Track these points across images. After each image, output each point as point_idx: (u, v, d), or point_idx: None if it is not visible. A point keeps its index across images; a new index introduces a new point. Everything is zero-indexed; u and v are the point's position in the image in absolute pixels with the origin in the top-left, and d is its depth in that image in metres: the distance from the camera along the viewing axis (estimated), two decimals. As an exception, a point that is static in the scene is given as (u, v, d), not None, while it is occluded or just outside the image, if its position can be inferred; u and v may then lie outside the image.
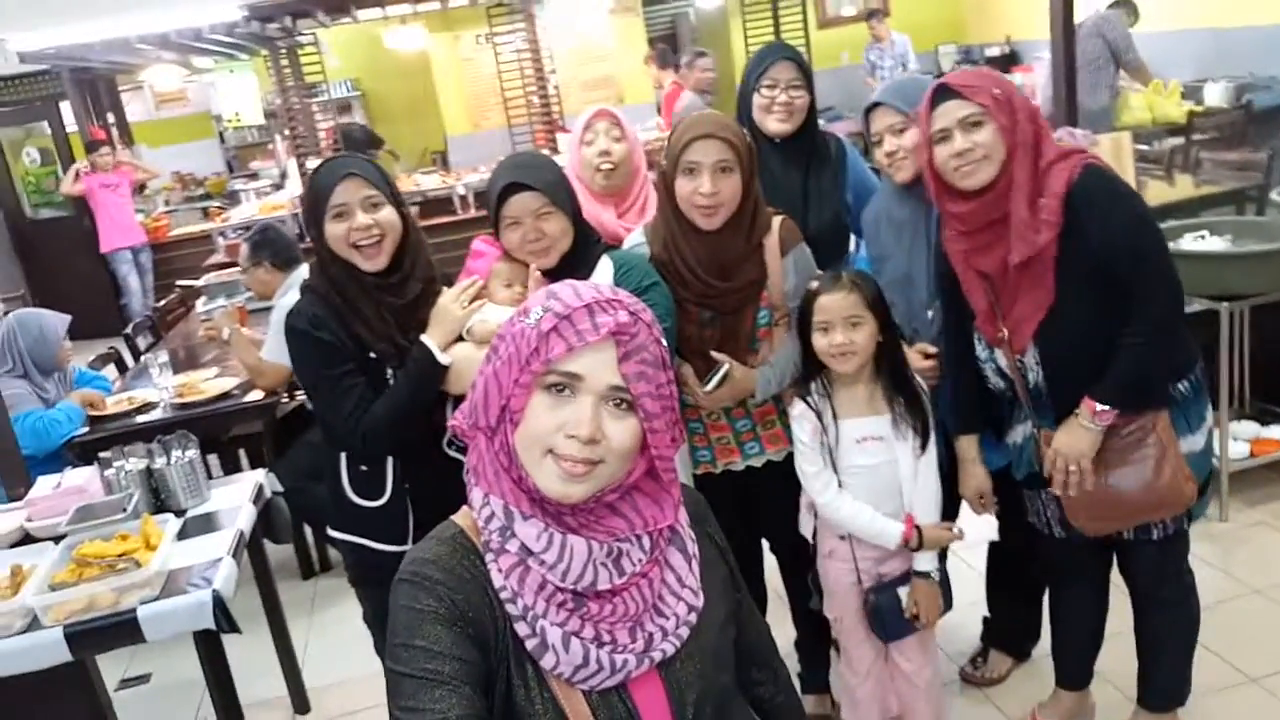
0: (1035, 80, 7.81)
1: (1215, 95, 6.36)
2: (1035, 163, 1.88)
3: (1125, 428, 1.96)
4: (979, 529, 2.59)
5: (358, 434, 1.88)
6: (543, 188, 1.94)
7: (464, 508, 1.14)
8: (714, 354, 2.14)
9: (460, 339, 1.96)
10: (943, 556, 2.23)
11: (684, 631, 1.11)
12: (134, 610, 2.12)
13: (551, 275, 2.01)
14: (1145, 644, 2.27)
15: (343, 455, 2.00)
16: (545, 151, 7.89)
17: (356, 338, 1.90)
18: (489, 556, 1.07)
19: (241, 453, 4.05)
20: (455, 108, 9.36)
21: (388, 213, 1.90)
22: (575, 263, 2.01)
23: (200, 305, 5.23)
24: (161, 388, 3.76)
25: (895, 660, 2.24)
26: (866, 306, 2.04)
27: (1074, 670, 2.39)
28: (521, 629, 1.05)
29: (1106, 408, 1.92)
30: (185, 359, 4.43)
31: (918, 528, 2.09)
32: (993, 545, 2.63)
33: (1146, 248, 1.89)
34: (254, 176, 9.60)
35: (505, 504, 1.07)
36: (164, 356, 3.93)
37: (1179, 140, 5.72)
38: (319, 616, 3.50)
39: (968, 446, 2.20)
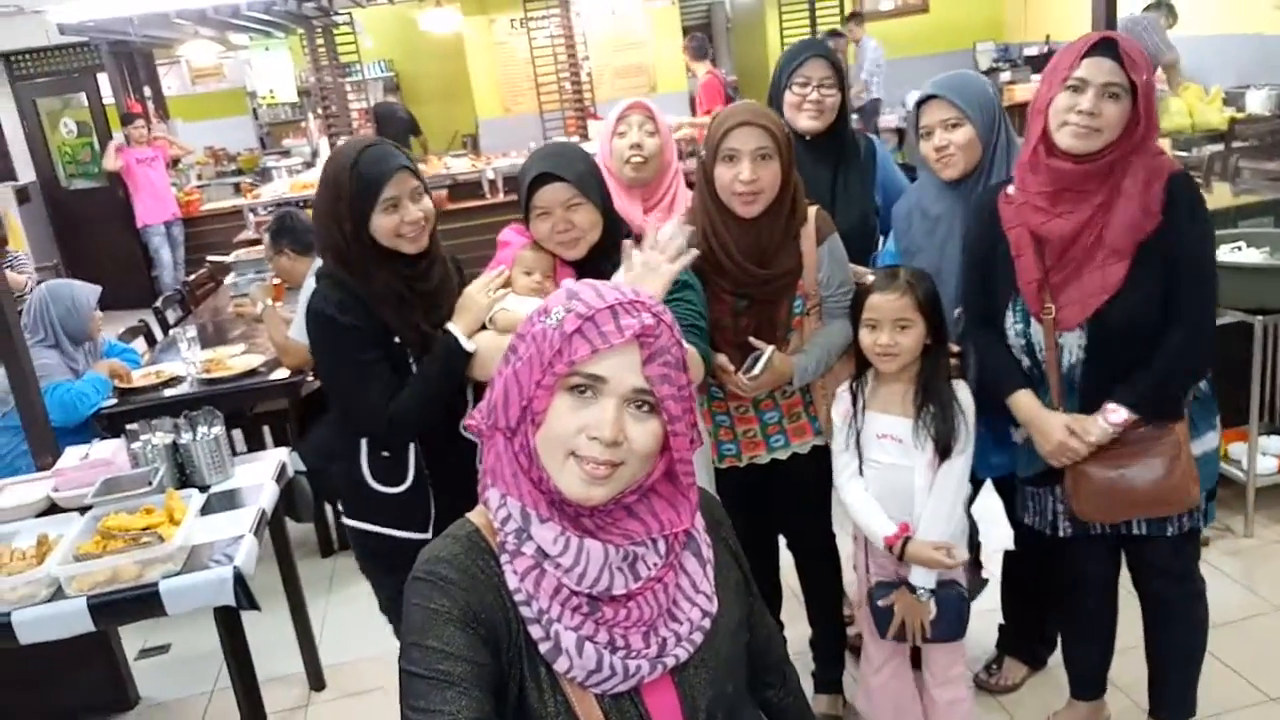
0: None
1: (1258, 102, 6.26)
2: (1150, 155, 1.89)
3: (1145, 423, 1.96)
4: (996, 537, 2.58)
5: (385, 420, 1.88)
6: (573, 179, 1.94)
7: (479, 506, 1.13)
8: (754, 340, 2.14)
9: (483, 327, 1.97)
10: (981, 585, 2.21)
11: (697, 637, 1.11)
12: (156, 584, 2.14)
13: (580, 267, 2.02)
14: (1155, 651, 2.26)
15: (363, 442, 1.98)
16: (575, 138, 7.89)
17: (382, 323, 1.91)
18: (504, 558, 1.07)
19: (266, 429, 4.09)
20: (487, 91, 9.36)
21: (428, 202, 1.93)
22: (604, 255, 2.01)
23: (230, 280, 5.28)
24: (189, 362, 3.80)
25: (924, 671, 2.24)
26: (917, 309, 2.03)
27: (1087, 679, 2.38)
28: (536, 632, 1.05)
29: (1127, 414, 1.93)
30: (213, 334, 4.48)
31: (907, 539, 2.07)
32: (1008, 553, 2.61)
33: (1210, 255, 1.94)
34: (286, 154, 9.67)
35: (523, 506, 1.07)
36: (192, 331, 3.96)
37: (1218, 147, 5.63)
38: (337, 594, 3.53)
39: (1028, 402, 2.05)
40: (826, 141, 2.54)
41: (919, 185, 2.42)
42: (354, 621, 3.29)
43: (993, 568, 2.66)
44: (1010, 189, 2.03)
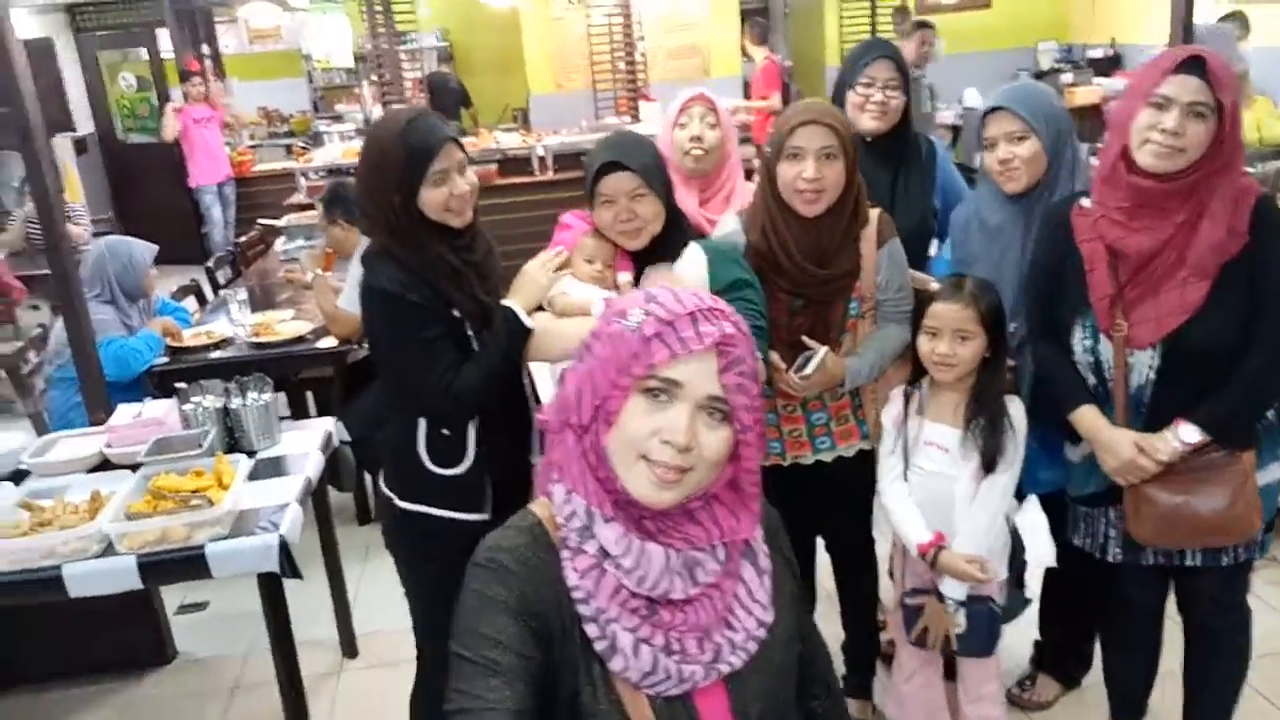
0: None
1: (1330, 118, 6.09)
2: (1235, 176, 1.86)
3: (1214, 449, 1.93)
4: (1039, 553, 2.55)
5: (450, 396, 1.86)
6: (639, 169, 1.94)
7: (541, 498, 1.14)
8: (807, 340, 2.13)
9: (540, 308, 1.98)
10: (1022, 604, 2.21)
11: (752, 646, 1.11)
12: (203, 546, 2.18)
13: (639, 258, 2.03)
14: (1194, 678, 2.23)
15: (421, 423, 1.96)
16: (627, 118, 7.87)
17: (442, 297, 1.89)
18: (565, 554, 1.08)
19: (310, 395, 4.14)
20: (540, 66, 9.31)
21: (473, 174, 1.93)
22: (664, 247, 2.01)
23: (279, 245, 5.33)
24: (239, 325, 3.85)
25: (957, 685, 2.24)
26: (979, 321, 2.02)
27: (1128, 703, 2.36)
28: (591, 630, 1.06)
29: (1201, 435, 1.90)
30: (261, 297, 4.53)
31: (940, 548, 2.06)
32: (1049, 570, 2.59)
33: None
34: (338, 119, 9.72)
35: (588, 504, 1.08)
36: (243, 294, 4.02)
37: (1286, 163, 5.49)
38: (372, 563, 3.56)
39: (1093, 418, 2.00)
40: (888, 143, 2.52)
41: (979, 195, 2.39)
42: (388, 591, 3.27)
43: (1034, 585, 2.63)
44: (1085, 201, 2.00)
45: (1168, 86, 1.80)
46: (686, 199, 2.46)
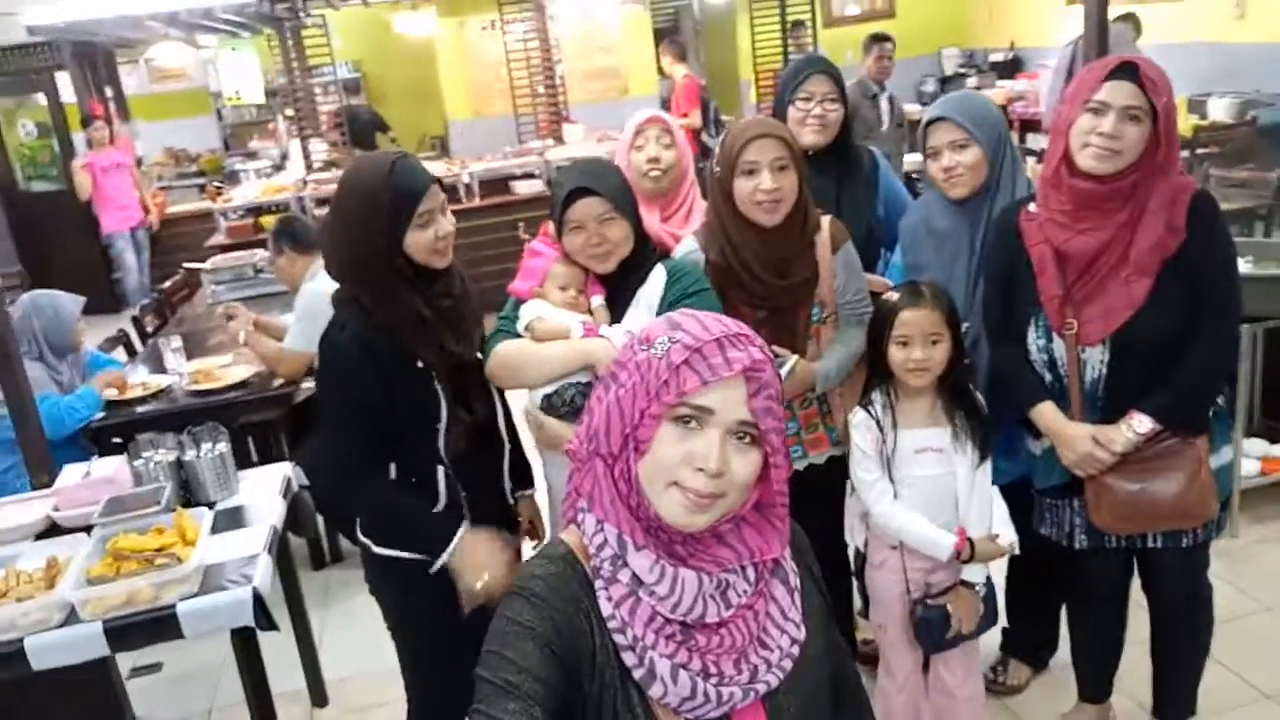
0: (1040, 88, 7.87)
1: (1220, 110, 6.43)
2: (1173, 176, 1.94)
3: (1168, 437, 2.01)
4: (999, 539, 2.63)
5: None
6: (608, 194, 1.96)
7: (571, 527, 1.15)
8: (776, 349, 2.16)
9: (518, 335, 2.00)
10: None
11: (787, 664, 1.12)
12: (173, 606, 2.11)
13: (608, 281, 2.04)
14: (1161, 654, 2.32)
15: (390, 467, 1.93)
16: (550, 142, 7.88)
17: (405, 350, 1.86)
18: (599, 584, 1.08)
19: (249, 441, 4.02)
20: (458, 93, 9.31)
21: (451, 214, 1.92)
22: (633, 270, 2.03)
23: (209, 287, 5.18)
24: (176, 373, 3.73)
25: (938, 672, 2.28)
26: (945, 323, 2.08)
27: (1095, 683, 2.44)
28: (629, 659, 1.06)
29: (1153, 423, 1.98)
30: (193, 343, 4.39)
31: (970, 541, 2.12)
32: (1014, 558, 2.66)
33: (1232, 271, 2.01)
34: (252, 155, 9.50)
35: (619, 533, 1.08)
36: (177, 341, 3.90)
37: (1184, 153, 5.77)
38: (333, 609, 3.49)
39: (1051, 414, 2.08)
40: (830, 156, 2.58)
41: (925, 202, 2.47)
42: (353, 636, 3.25)
43: (997, 571, 2.71)
44: (1031, 206, 2.08)
45: (1103, 92, 1.89)
46: (648, 218, 2.48)
